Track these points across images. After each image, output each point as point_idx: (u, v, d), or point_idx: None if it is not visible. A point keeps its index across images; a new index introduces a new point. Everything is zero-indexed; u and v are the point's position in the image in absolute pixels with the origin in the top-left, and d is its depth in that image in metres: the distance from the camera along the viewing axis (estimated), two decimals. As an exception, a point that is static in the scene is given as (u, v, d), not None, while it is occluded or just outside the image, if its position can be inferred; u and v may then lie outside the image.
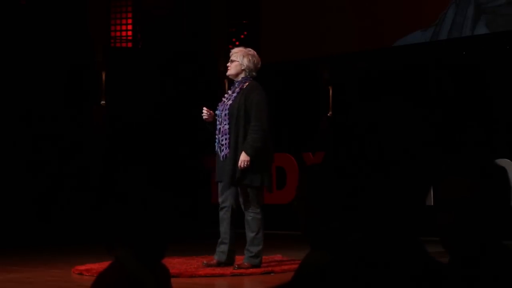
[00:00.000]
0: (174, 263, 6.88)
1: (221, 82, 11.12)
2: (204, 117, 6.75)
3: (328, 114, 10.76)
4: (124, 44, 12.14)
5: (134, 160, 11.30)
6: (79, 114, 11.15)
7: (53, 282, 6.41)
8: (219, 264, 6.73)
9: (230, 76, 6.78)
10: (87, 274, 6.58)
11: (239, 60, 6.69)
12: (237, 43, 12.03)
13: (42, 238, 9.86)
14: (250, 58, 6.71)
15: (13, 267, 7.33)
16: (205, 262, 6.85)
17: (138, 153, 11.39)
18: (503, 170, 2.01)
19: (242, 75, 6.71)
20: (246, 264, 6.60)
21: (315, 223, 1.60)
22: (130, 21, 12.03)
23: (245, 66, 6.69)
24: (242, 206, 6.66)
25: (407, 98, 9.97)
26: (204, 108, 6.79)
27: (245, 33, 12.09)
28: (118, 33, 12.05)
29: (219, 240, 6.78)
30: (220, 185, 6.79)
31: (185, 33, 12.21)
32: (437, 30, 10.10)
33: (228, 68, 6.75)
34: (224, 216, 6.76)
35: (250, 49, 6.83)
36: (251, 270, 6.56)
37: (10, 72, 10.72)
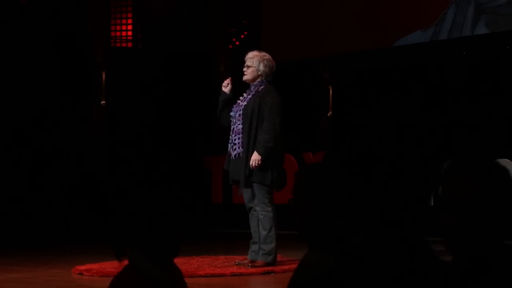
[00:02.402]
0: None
1: (221, 82, 11.12)
2: (224, 84, 6.93)
3: (328, 114, 10.76)
4: (124, 44, 12.14)
5: (134, 160, 11.30)
6: (79, 114, 11.15)
7: (53, 282, 6.41)
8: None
9: (246, 81, 6.84)
10: (87, 274, 6.58)
11: (256, 65, 6.77)
12: (237, 43, 12.03)
13: (42, 238, 9.86)
14: (266, 63, 6.79)
15: (13, 267, 7.33)
16: (237, 261, 6.86)
17: (138, 153, 11.39)
18: (505, 170, 2.00)
19: (259, 79, 6.80)
20: (259, 261, 6.63)
21: (311, 223, 1.60)
22: (130, 21, 12.03)
23: (261, 71, 6.78)
24: (254, 205, 6.68)
25: (407, 98, 9.96)
26: (229, 78, 6.98)
27: (245, 33, 12.09)
28: (118, 33, 12.05)
29: (251, 241, 6.80)
30: (240, 187, 6.83)
31: (185, 33, 12.21)
32: (437, 30, 10.09)
33: (245, 73, 6.82)
34: (253, 216, 6.77)
35: (265, 53, 6.90)
36: (251, 270, 6.58)
37: (9, 72, 10.72)
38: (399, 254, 1.45)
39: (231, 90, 6.89)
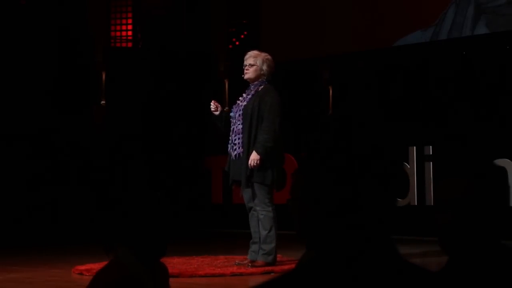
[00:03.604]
0: (174, 263, 6.88)
1: (221, 82, 11.12)
2: (211, 108, 6.88)
3: (328, 114, 10.75)
4: (124, 44, 12.14)
5: (134, 160, 11.30)
6: (79, 114, 11.15)
7: (53, 282, 6.42)
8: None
9: (248, 80, 6.83)
10: (87, 274, 6.59)
11: (259, 64, 6.78)
12: (237, 43, 12.03)
13: (42, 238, 9.86)
14: (269, 63, 6.84)
15: (13, 267, 7.34)
16: (237, 261, 6.88)
17: (138, 153, 11.39)
18: (503, 170, 2.01)
19: (260, 79, 6.80)
20: (259, 262, 6.64)
21: (309, 223, 1.60)
22: (130, 21, 12.02)
23: (264, 71, 6.80)
24: (254, 205, 6.68)
25: (406, 98, 9.96)
26: (213, 101, 6.90)
27: (245, 33, 12.08)
28: (118, 33, 12.05)
29: (251, 241, 6.81)
30: (241, 188, 6.82)
31: (185, 33, 12.21)
32: (437, 30, 10.09)
33: (246, 71, 6.80)
34: (252, 216, 6.77)
35: (266, 53, 6.90)
36: (251, 269, 6.58)
37: (9, 72, 10.73)
38: (367, 252, 1.47)
39: (219, 108, 6.90)
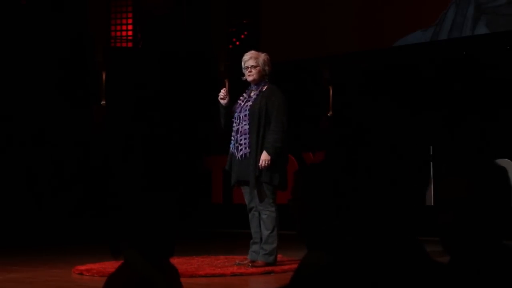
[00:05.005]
0: (174, 263, 6.86)
1: (221, 82, 11.12)
2: (220, 96, 6.86)
3: (328, 114, 10.76)
4: (124, 44, 12.14)
5: (134, 161, 11.30)
6: (79, 114, 11.15)
7: (53, 282, 6.41)
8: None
9: (252, 81, 6.84)
10: (87, 274, 6.59)
11: (261, 65, 6.83)
12: (237, 43, 12.03)
13: (42, 238, 9.86)
14: (268, 63, 6.89)
15: (13, 267, 7.33)
16: (237, 261, 6.89)
17: (138, 153, 11.39)
18: (503, 170, 2.01)
19: (263, 79, 6.82)
20: (260, 262, 6.64)
21: (310, 223, 1.60)
22: (130, 21, 12.02)
23: (266, 71, 6.85)
24: (257, 204, 6.68)
25: (407, 98, 9.96)
26: (223, 89, 6.94)
27: (245, 33, 12.08)
28: (118, 33, 12.05)
29: (251, 241, 6.81)
30: (244, 188, 6.81)
31: (185, 33, 12.21)
32: (437, 30, 10.10)
33: (250, 73, 6.81)
34: (253, 216, 6.77)
35: (265, 53, 6.95)
36: (251, 270, 6.58)
37: (9, 72, 10.72)
38: (393, 253, 1.46)
39: (228, 97, 6.90)
